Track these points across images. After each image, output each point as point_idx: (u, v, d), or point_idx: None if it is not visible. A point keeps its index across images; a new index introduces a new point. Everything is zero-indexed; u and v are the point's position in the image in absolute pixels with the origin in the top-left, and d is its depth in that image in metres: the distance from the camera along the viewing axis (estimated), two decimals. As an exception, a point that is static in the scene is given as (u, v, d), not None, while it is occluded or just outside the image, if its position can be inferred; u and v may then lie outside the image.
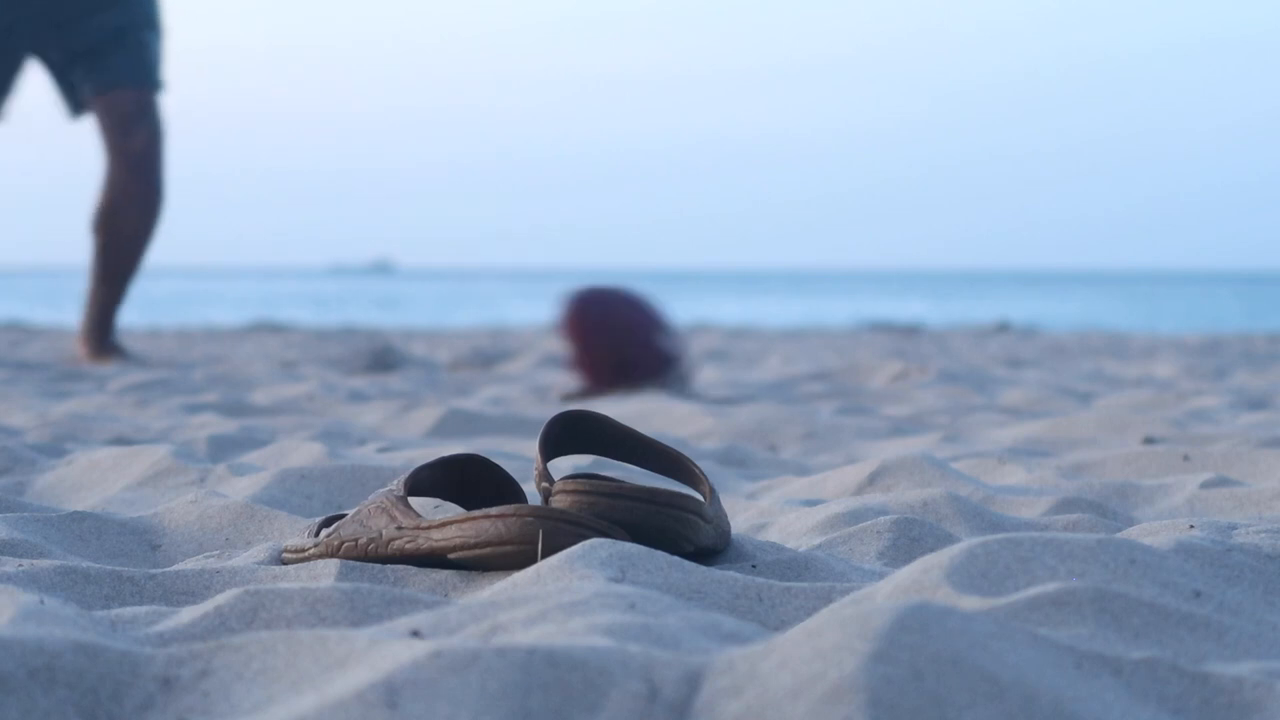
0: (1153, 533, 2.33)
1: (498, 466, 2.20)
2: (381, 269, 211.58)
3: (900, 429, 4.43)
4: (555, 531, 1.98)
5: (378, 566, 2.03)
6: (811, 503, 2.79)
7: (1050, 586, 1.65)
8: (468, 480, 2.22)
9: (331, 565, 2.04)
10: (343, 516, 2.24)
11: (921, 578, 1.75)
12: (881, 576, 2.08)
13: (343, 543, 2.11)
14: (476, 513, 2.01)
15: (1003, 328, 17.36)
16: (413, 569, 2.02)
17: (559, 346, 5.92)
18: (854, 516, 2.46)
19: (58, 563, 2.05)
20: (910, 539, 2.31)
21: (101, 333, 7.48)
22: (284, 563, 2.18)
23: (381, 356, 7.65)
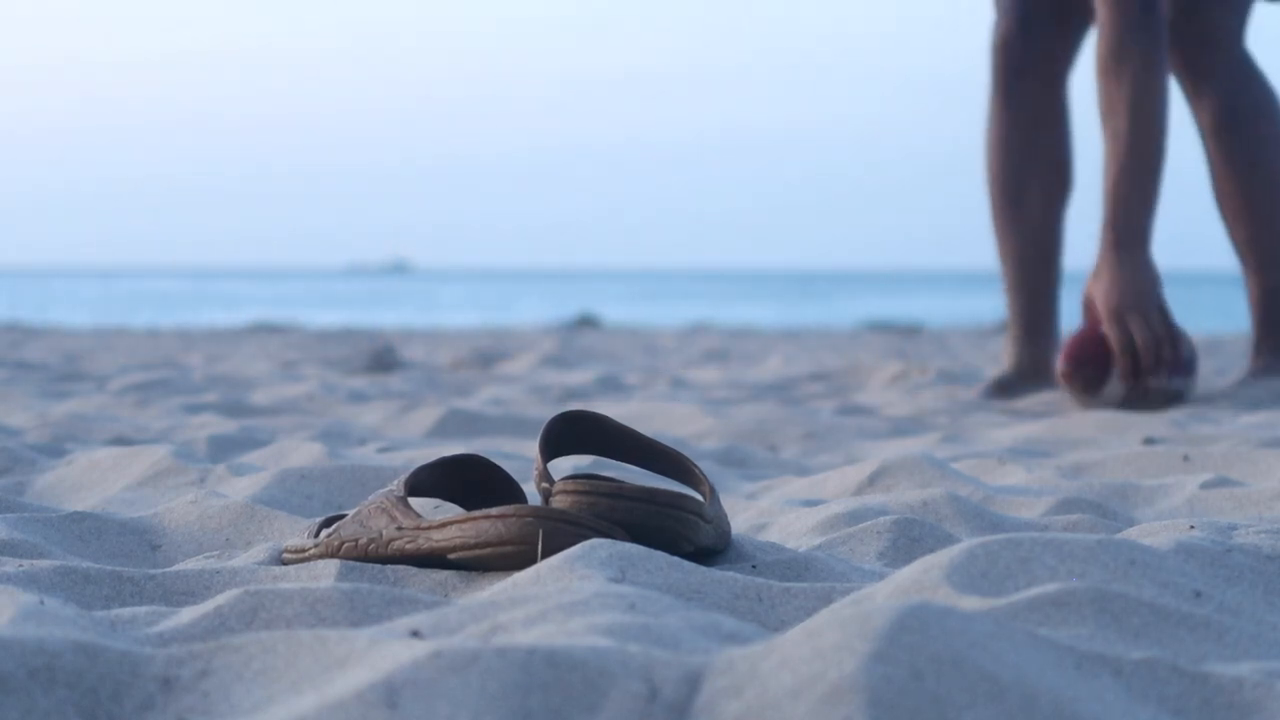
0: (1153, 533, 2.32)
1: (498, 466, 2.20)
2: (399, 269, 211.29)
3: (900, 429, 4.43)
4: (555, 532, 1.97)
5: (378, 566, 2.03)
6: (811, 503, 2.79)
7: (1050, 587, 1.65)
8: (468, 480, 2.21)
9: (331, 565, 2.04)
10: (343, 516, 2.24)
11: (921, 578, 1.75)
12: (881, 576, 2.08)
13: (343, 543, 2.11)
14: (476, 513, 2.00)
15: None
16: (413, 569, 2.02)
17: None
18: (854, 517, 2.46)
19: (58, 563, 2.05)
20: (910, 539, 2.31)
21: None
22: (284, 563, 2.18)
23: (381, 357, 7.65)
